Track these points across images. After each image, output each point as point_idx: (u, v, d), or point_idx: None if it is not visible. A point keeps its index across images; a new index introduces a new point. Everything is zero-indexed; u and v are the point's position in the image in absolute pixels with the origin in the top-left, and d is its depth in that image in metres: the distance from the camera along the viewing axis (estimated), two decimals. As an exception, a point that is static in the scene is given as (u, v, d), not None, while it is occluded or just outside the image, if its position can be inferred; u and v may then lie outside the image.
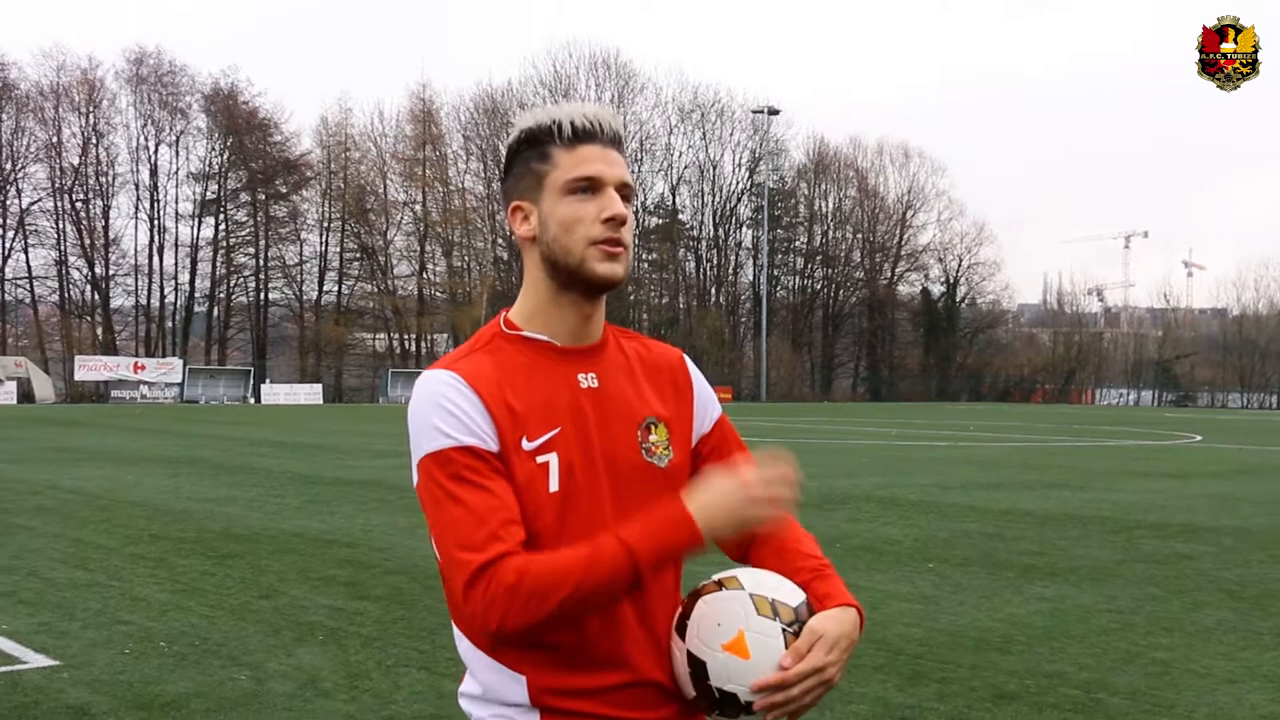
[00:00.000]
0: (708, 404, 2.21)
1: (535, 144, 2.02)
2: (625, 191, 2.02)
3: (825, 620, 1.95)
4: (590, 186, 1.99)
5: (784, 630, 1.92)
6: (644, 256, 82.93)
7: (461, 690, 2.05)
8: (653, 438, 2.07)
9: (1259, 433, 40.85)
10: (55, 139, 69.33)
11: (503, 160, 2.10)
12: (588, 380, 2.03)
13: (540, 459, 1.94)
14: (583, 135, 2.00)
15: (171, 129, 72.63)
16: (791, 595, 1.99)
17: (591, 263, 1.98)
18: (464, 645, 2.02)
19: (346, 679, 6.45)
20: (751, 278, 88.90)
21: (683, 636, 1.98)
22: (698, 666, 1.95)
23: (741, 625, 1.93)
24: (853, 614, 2.00)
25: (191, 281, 74.19)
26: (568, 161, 1.99)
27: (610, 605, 1.92)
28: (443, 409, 1.91)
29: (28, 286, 70.33)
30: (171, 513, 13.65)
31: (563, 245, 1.99)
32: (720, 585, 2.00)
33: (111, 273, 71.45)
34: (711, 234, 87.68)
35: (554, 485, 1.94)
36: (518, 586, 1.81)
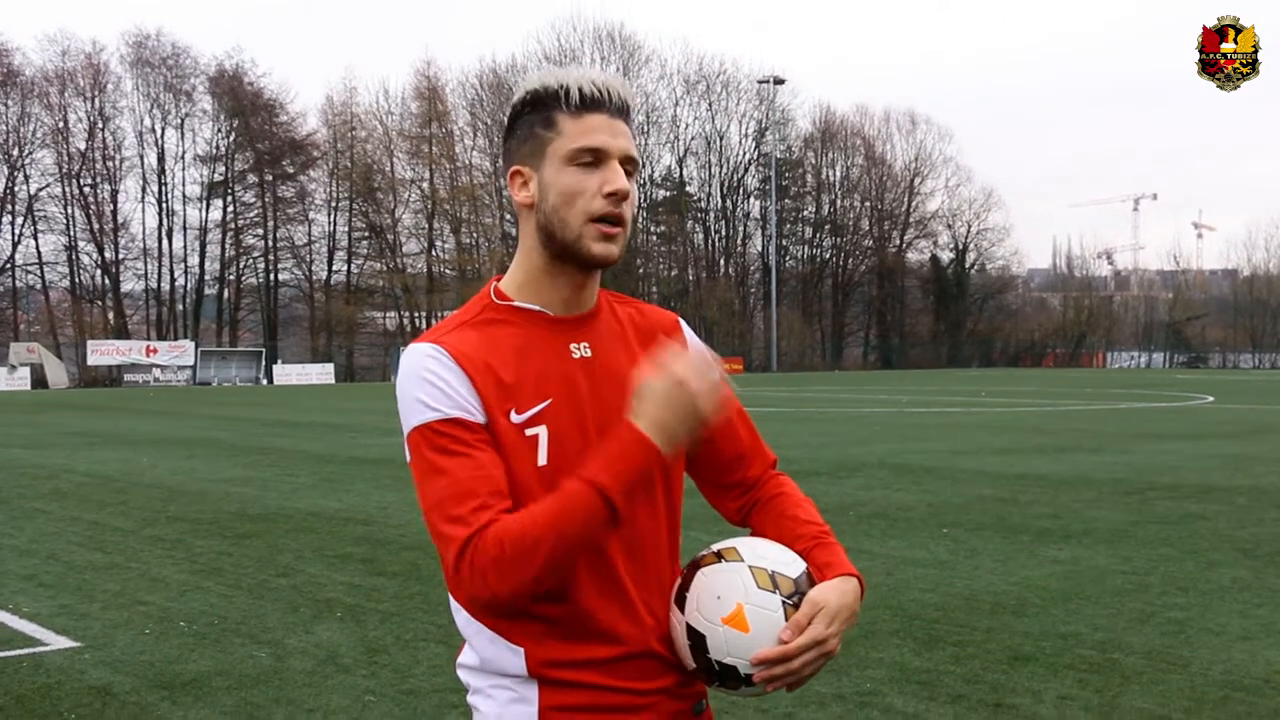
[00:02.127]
0: None
1: (540, 108, 1.96)
2: (629, 166, 1.97)
3: (826, 591, 1.93)
4: (594, 158, 1.93)
5: (784, 603, 1.91)
6: (652, 229, 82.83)
7: (459, 661, 2.04)
8: None
9: (1271, 392, 40.76)
10: (61, 124, 69.33)
11: (506, 121, 2.05)
12: (580, 350, 2.00)
13: (529, 432, 1.91)
14: (590, 103, 1.94)
15: (177, 111, 72.60)
16: (791, 566, 1.97)
17: (587, 241, 1.94)
18: (461, 617, 2.00)
19: (365, 654, 6.49)
20: (760, 248, 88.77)
21: (682, 609, 1.97)
22: (697, 639, 1.94)
23: (740, 598, 1.92)
24: (853, 583, 1.98)
25: (201, 264, 74.31)
26: (572, 130, 1.93)
27: (595, 549, 1.89)
28: (425, 381, 1.89)
29: (38, 272, 70.51)
30: (188, 494, 13.72)
31: (561, 217, 1.94)
32: (719, 557, 1.98)
33: (121, 257, 71.58)
34: (719, 205, 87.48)
35: (542, 459, 1.91)
36: (501, 553, 1.79)
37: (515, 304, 2.01)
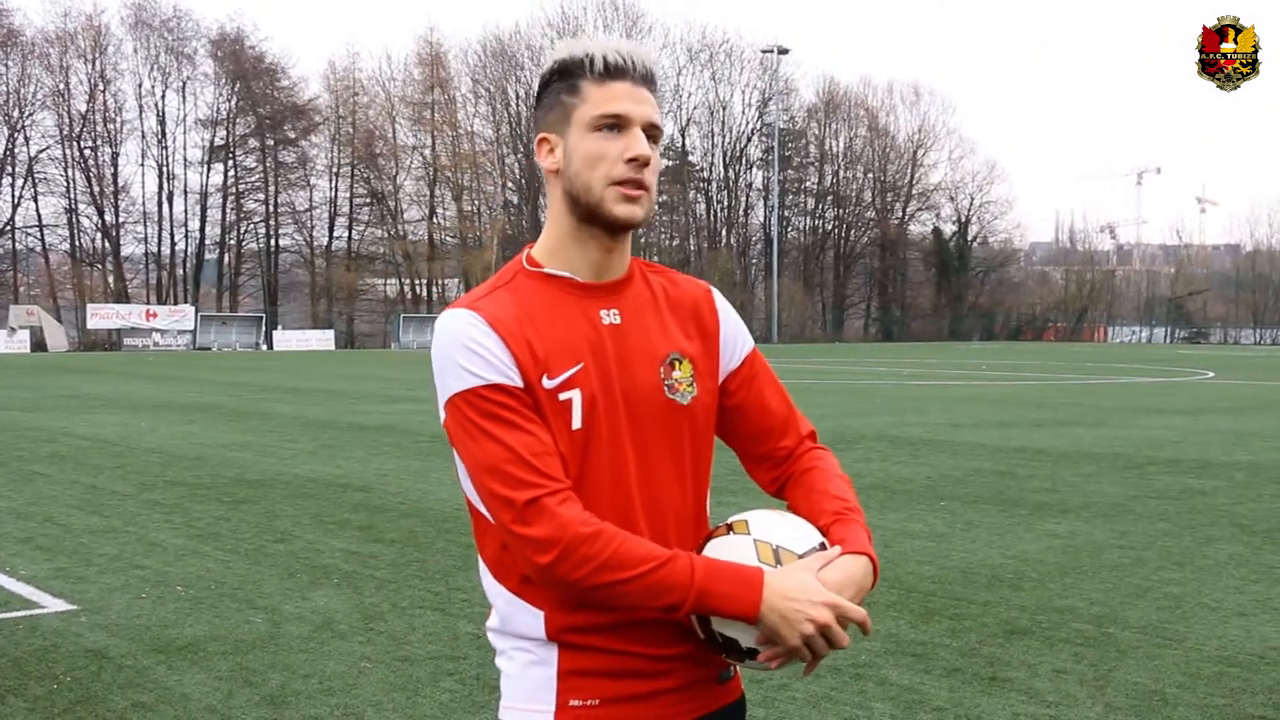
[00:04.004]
0: (737, 339, 2.17)
1: (566, 76, 2.00)
2: (653, 132, 1.99)
3: (833, 570, 1.93)
4: (617, 124, 1.96)
5: None
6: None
7: (487, 625, 2.08)
8: (676, 374, 2.05)
9: (1272, 368, 40.76)
10: (62, 86, 69.16)
11: (536, 90, 2.09)
12: (610, 316, 2.02)
13: (563, 396, 1.94)
14: (614, 71, 1.97)
15: (178, 75, 72.42)
16: (800, 542, 1.96)
17: (610, 203, 1.96)
18: (487, 580, 2.04)
19: (361, 621, 6.50)
20: (762, 219, 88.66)
21: None
22: None
23: None
24: (864, 562, 1.97)
25: (202, 228, 74.20)
26: (596, 96, 1.96)
27: (642, 616, 1.91)
28: (466, 348, 1.91)
29: (38, 235, 70.45)
30: (186, 459, 13.73)
31: (584, 181, 1.97)
32: (730, 529, 1.99)
33: (121, 220, 71.51)
34: (722, 175, 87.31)
35: (576, 422, 1.94)
36: (592, 544, 1.83)
37: (546, 270, 2.04)
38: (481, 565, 2.05)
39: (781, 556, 1.92)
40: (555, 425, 1.93)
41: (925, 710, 5.08)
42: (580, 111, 1.97)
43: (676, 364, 2.05)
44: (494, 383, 1.90)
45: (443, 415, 1.96)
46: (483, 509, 1.97)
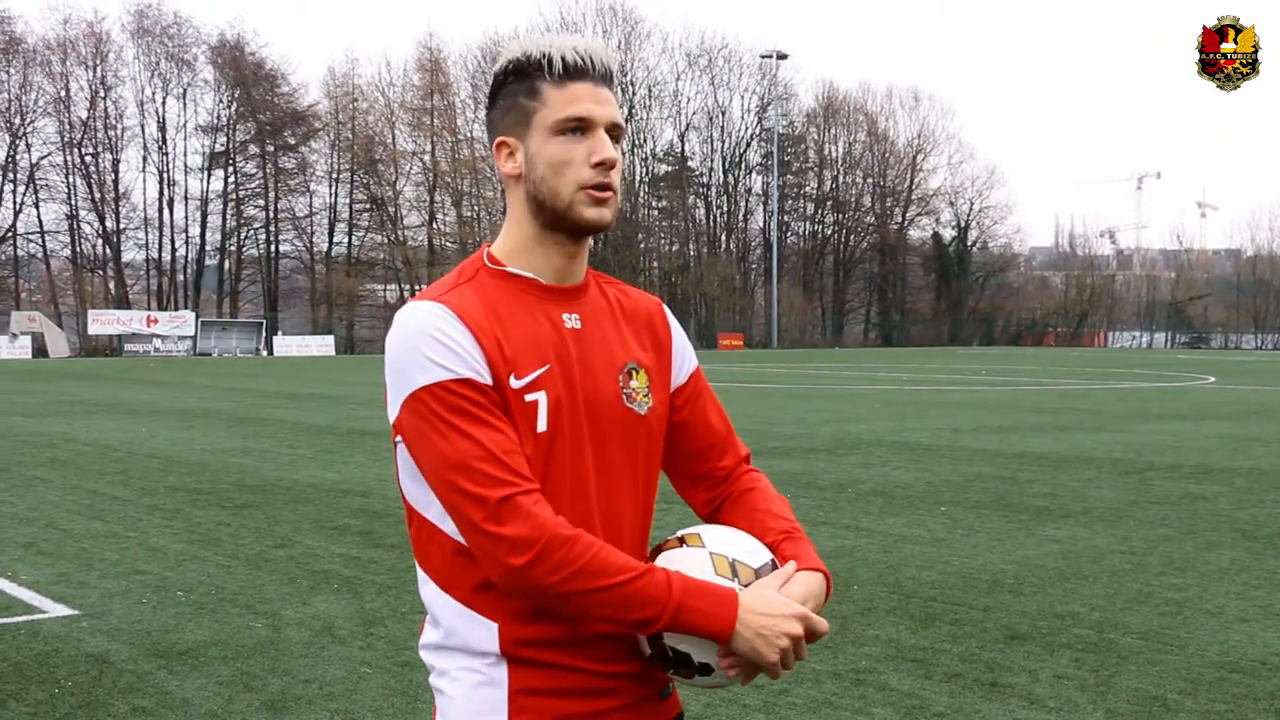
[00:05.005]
0: (684, 355, 2.15)
1: (523, 77, 1.94)
2: (615, 132, 1.95)
3: (796, 585, 1.91)
4: (580, 127, 1.92)
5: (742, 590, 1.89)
6: (653, 204, 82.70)
7: (422, 642, 1.99)
8: (634, 383, 2.02)
9: (1273, 373, 40.75)
10: (63, 93, 69.20)
11: (489, 89, 2.02)
12: (571, 320, 1.98)
13: (529, 397, 1.89)
14: (574, 72, 1.92)
15: (179, 81, 72.49)
16: (754, 556, 1.94)
17: (579, 207, 1.92)
18: (429, 590, 1.96)
19: (361, 626, 6.50)
20: (762, 224, 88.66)
21: None
22: None
23: None
24: (819, 578, 1.95)
25: (202, 234, 74.24)
26: (557, 99, 1.91)
27: (607, 630, 1.87)
28: (435, 340, 1.85)
29: (39, 241, 70.47)
30: (186, 464, 13.73)
31: (551, 187, 1.92)
32: (682, 542, 1.96)
33: (122, 226, 71.54)
34: (721, 180, 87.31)
35: (542, 425, 1.89)
36: (571, 547, 1.78)
37: (509, 269, 1.99)
38: (422, 575, 1.96)
39: (738, 569, 1.90)
40: (521, 427, 1.87)
41: (926, 715, 5.08)
42: (541, 115, 1.92)
43: (634, 373, 2.02)
44: (464, 377, 1.83)
45: (395, 411, 1.89)
46: (428, 513, 1.91)
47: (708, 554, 1.92)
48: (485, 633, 1.89)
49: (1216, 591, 7.37)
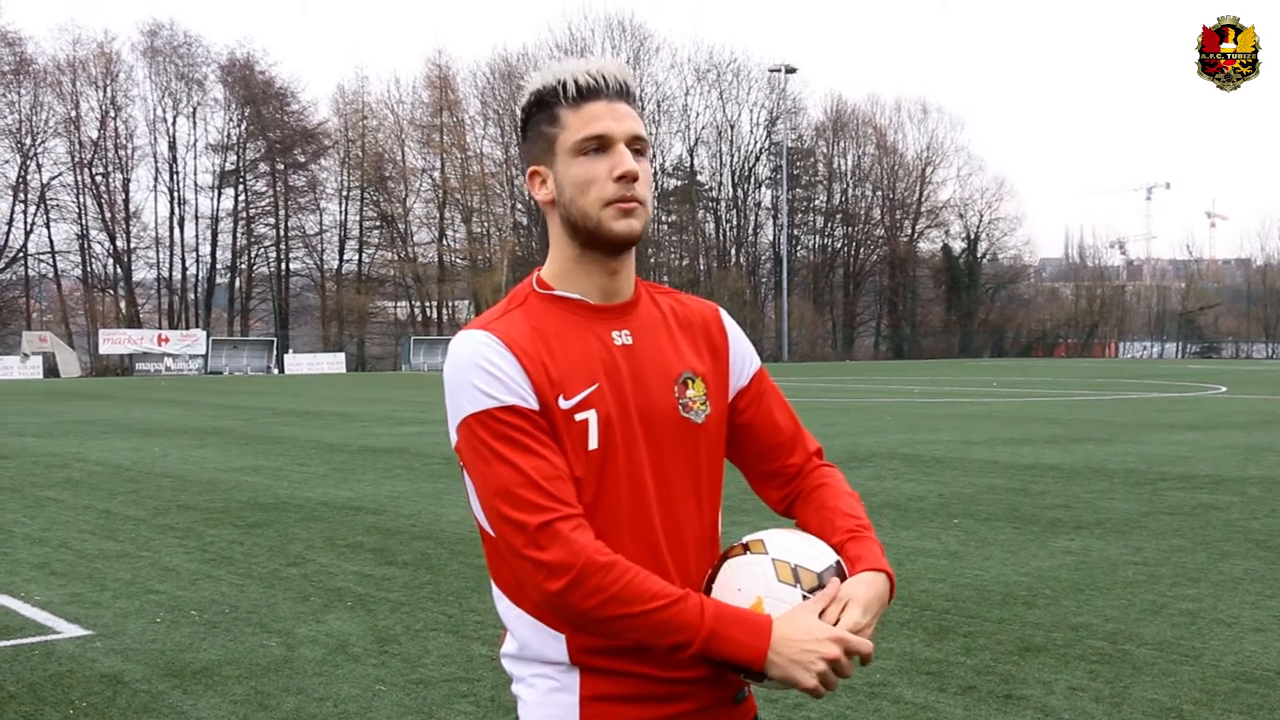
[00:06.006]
0: (745, 358, 2.19)
1: (544, 106, 2.01)
2: (637, 145, 1.99)
3: (854, 584, 1.94)
4: (599, 145, 1.96)
5: (804, 597, 1.91)
6: (663, 218, 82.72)
7: (503, 651, 2.06)
8: (690, 393, 2.05)
9: (1285, 383, 40.59)
10: (74, 113, 69.48)
11: (519, 125, 2.09)
12: (622, 337, 2.02)
13: (579, 417, 1.93)
14: (587, 93, 1.97)
15: (189, 100, 72.74)
16: (817, 560, 1.96)
17: (608, 223, 1.96)
18: (503, 604, 2.02)
19: (375, 644, 6.50)
20: (771, 237, 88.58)
21: None
22: None
23: (761, 591, 1.92)
24: (882, 579, 1.98)
25: (213, 253, 74.42)
26: (575, 122, 1.97)
27: (655, 650, 1.89)
28: (481, 369, 1.90)
29: (50, 261, 70.66)
30: (199, 483, 13.76)
31: (579, 208, 1.97)
32: (746, 549, 1.99)
33: (133, 246, 71.76)
34: (730, 194, 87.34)
35: (593, 443, 1.93)
36: (606, 573, 1.82)
37: (557, 292, 2.04)
38: (496, 590, 2.04)
39: (800, 575, 1.93)
40: (571, 446, 1.92)
41: (941, 729, 5.07)
42: (563, 139, 1.98)
43: (690, 383, 2.06)
44: (508, 404, 1.89)
45: (454, 438, 1.95)
46: (494, 533, 1.96)
47: (770, 560, 1.95)
48: (555, 643, 1.95)
49: (1230, 602, 7.34)
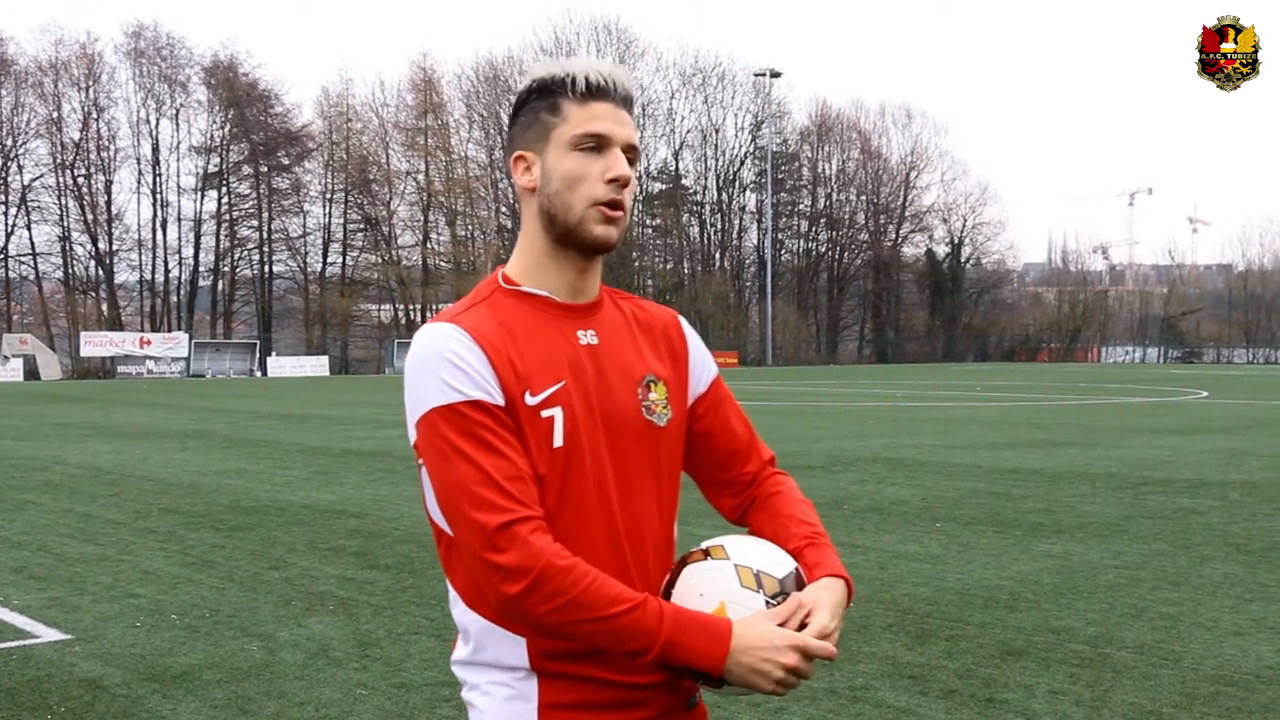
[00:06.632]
0: (703, 364, 2.18)
1: (546, 94, 1.99)
2: (631, 154, 1.99)
3: (816, 591, 1.94)
4: (597, 144, 1.96)
5: (766, 602, 1.91)
6: (647, 222, 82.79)
7: (454, 657, 2.03)
8: (652, 395, 2.05)
9: (1265, 387, 40.82)
10: (55, 114, 69.19)
11: (511, 108, 2.07)
12: (587, 337, 2.01)
13: (545, 414, 1.91)
14: (596, 91, 1.97)
15: (172, 102, 72.50)
16: (778, 566, 1.96)
17: (590, 224, 1.96)
18: (458, 608, 1.99)
19: (357, 648, 6.48)
20: (756, 242, 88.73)
21: None
22: None
23: (724, 596, 1.91)
24: (841, 585, 1.98)
25: (195, 255, 74.19)
26: (578, 116, 1.96)
27: (613, 655, 1.88)
28: (448, 362, 1.87)
29: (31, 263, 70.34)
30: (180, 486, 13.70)
31: (564, 201, 1.96)
32: (706, 554, 1.98)
33: (115, 248, 71.48)
34: (715, 198, 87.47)
35: (558, 440, 1.92)
36: (564, 578, 1.80)
37: (524, 289, 2.02)
38: (452, 593, 2.00)
39: (763, 580, 1.93)
40: (536, 443, 1.90)
41: (922, 733, 5.07)
42: (561, 130, 1.97)
43: (652, 385, 2.05)
44: (474, 399, 1.86)
45: (414, 433, 1.92)
46: (452, 533, 1.93)
47: (732, 565, 1.94)
48: (514, 647, 1.92)
49: (1210, 605, 7.37)
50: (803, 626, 1.90)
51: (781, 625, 1.88)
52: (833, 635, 1.90)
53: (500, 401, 1.88)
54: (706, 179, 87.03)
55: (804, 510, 2.13)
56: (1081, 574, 8.35)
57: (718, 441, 2.17)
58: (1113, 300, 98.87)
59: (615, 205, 1.97)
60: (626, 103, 2.01)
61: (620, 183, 1.96)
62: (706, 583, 1.93)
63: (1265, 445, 18.07)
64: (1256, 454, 16.66)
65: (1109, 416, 25.36)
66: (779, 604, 1.91)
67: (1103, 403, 31.08)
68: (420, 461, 1.94)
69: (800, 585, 1.96)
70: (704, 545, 2.01)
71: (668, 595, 1.97)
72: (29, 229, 69.69)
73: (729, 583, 1.91)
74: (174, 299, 74.27)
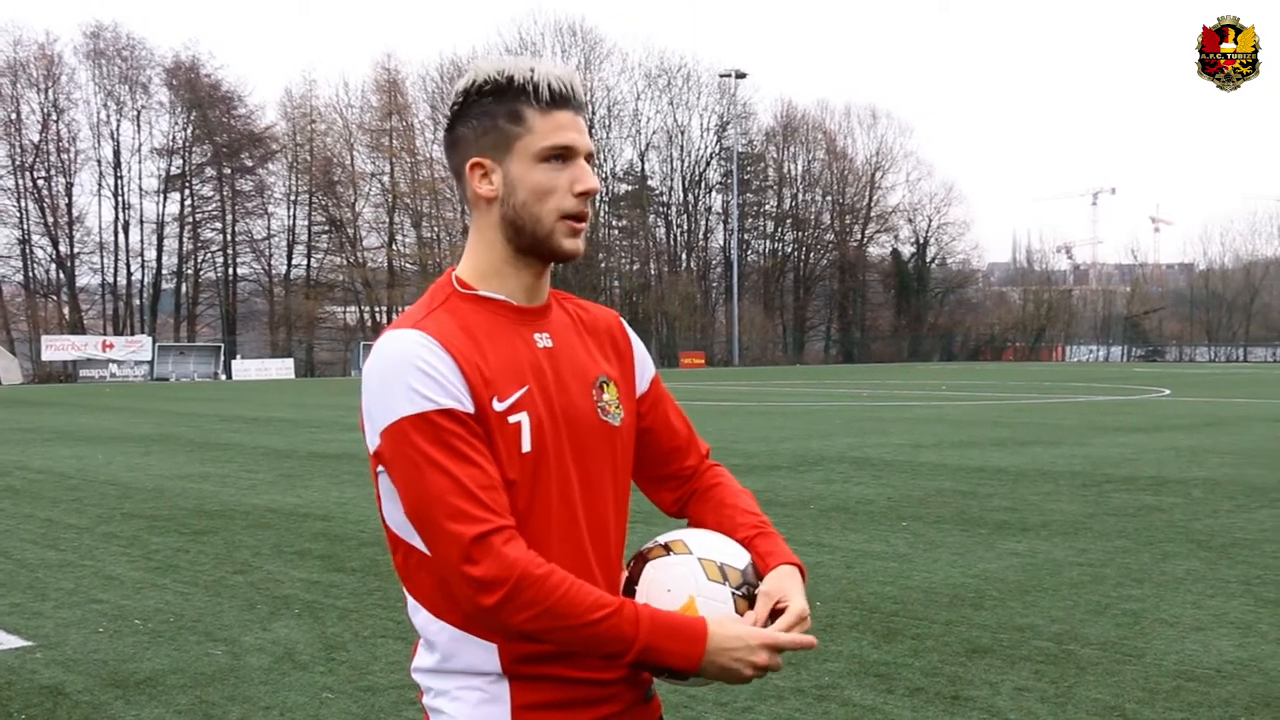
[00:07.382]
0: (645, 363, 2.20)
1: (503, 98, 1.94)
2: (590, 161, 2.00)
3: (780, 580, 1.98)
4: (564, 155, 1.95)
5: (733, 594, 1.93)
6: (614, 223, 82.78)
7: (415, 665, 2.01)
8: (606, 396, 2.05)
9: (1226, 385, 41.24)
10: (14, 116, 68.42)
11: (453, 102, 1.99)
12: (543, 340, 2.01)
13: (512, 419, 1.91)
14: (558, 100, 1.94)
15: (133, 104, 71.83)
16: (737, 558, 1.99)
17: (559, 237, 1.96)
18: (421, 617, 1.97)
19: (323, 651, 6.45)
20: (722, 242, 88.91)
21: None
22: None
23: (692, 591, 1.92)
24: (798, 572, 2.02)
25: (159, 258, 73.59)
26: (543, 127, 1.93)
27: (587, 655, 1.89)
28: (418, 370, 1.85)
29: (-9, 267, 69.56)
30: (143, 491, 13.59)
31: (533, 213, 1.95)
32: (667, 549, 1.99)
33: (76, 251, 70.76)
34: (681, 199, 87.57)
35: (526, 445, 1.91)
36: (540, 586, 1.80)
37: (480, 293, 2.00)
38: (413, 602, 1.98)
39: (727, 573, 1.95)
40: (506, 449, 1.89)
41: (888, 731, 5.09)
42: (526, 141, 1.93)
43: (605, 386, 2.06)
44: (445, 408, 1.84)
45: (376, 441, 1.89)
46: (414, 540, 1.91)
47: (696, 559, 1.96)
48: (485, 654, 1.91)
49: (1173, 601, 7.44)
50: (775, 615, 1.92)
51: (762, 620, 1.91)
52: (806, 620, 1.93)
53: (470, 409, 1.87)
54: (672, 180, 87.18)
55: (746, 500, 2.17)
56: (1046, 571, 8.41)
57: (660, 438, 2.20)
58: (1076, 299, 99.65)
59: (581, 217, 1.97)
60: (583, 109, 2.00)
61: (590, 194, 1.96)
62: (672, 578, 1.94)
63: (1226, 442, 18.25)
64: (1218, 451, 16.83)
65: (1073, 415, 25.55)
66: (744, 594, 1.94)
67: (1067, 401, 31.31)
68: (380, 469, 1.92)
69: (758, 575, 1.99)
70: (662, 540, 2.02)
71: (630, 592, 1.98)
72: (-12, 232, 68.95)
73: (695, 577, 1.93)
74: (137, 302, 73.65)
